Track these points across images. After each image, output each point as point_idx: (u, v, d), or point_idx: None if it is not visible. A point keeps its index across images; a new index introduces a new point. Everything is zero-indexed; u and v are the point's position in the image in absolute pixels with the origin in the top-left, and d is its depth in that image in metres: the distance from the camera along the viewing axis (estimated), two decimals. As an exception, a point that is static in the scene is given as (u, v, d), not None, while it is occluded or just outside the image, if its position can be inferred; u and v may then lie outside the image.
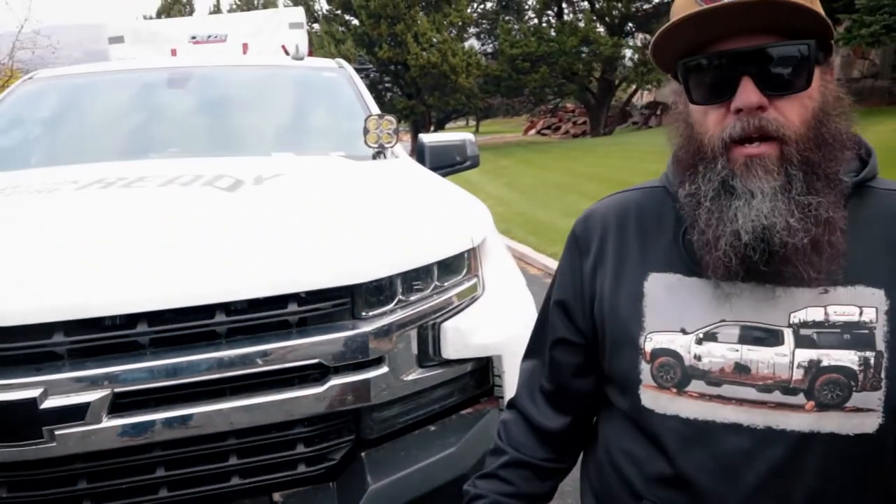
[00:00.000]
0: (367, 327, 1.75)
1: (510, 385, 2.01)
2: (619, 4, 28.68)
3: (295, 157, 3.05)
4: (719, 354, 1.05)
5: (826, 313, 1.01)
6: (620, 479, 1.15)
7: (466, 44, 31.49)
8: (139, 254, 1.70)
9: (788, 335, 1.02)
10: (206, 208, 1.92)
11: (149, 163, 2.89)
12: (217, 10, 31.53)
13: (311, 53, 5.50)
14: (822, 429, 0.99)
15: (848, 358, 0.99)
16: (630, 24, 30.05)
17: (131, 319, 1.61)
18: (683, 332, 1.08)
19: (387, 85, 32.51)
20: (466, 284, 2.01)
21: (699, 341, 1.06)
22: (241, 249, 1.75)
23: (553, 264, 8.20)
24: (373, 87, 29.77)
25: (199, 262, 1.69)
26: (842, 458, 1.00)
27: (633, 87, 30.72)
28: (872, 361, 0.99)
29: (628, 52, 30.03)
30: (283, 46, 4.82)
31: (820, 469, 1.00)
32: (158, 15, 29.87)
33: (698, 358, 1.06)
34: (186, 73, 3.94)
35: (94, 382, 1.56)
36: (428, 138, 3.53)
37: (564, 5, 31.98)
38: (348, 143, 3.27)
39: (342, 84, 3.90)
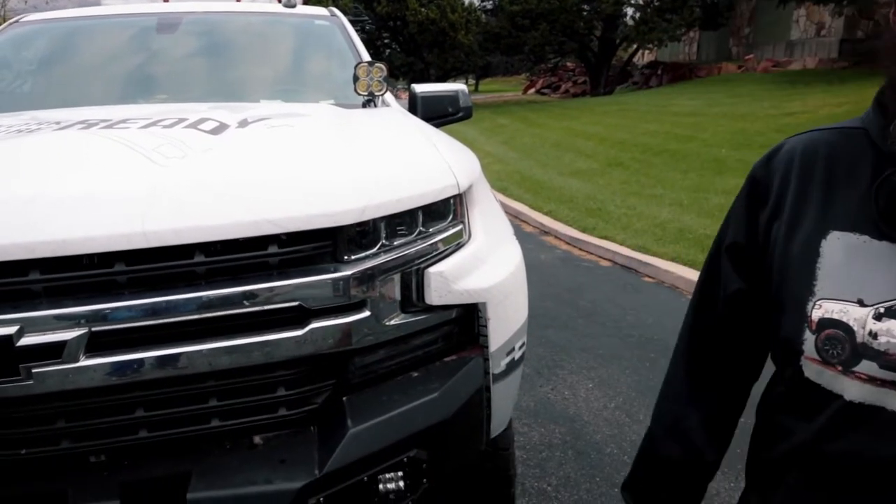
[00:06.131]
0: (348, 271, 1.73)
1: (495, 333, 1.99)
2: (622, -39, 28.23)
3: (283, 104, 3.00)
4: None
5: None
6: (769, 443, 1.09)
7: (466, 0, 30.98)
8: (117, 193, 1.66)
9: None
10: (187, 149, 1.88)
11: (135, 107, 2.85)
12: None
13: (305, 2, 5.40)
14: None
15: None
16: (633, -18, 29.59)
17: (109, 258, 1.59)
18: (861, 303, 0.93)
19: (385, 41, 32.10)
20: (452, 230, 1.98)
21: (878, 316, 0.92)
22: (222, 190, 1.72)
23: (548, 222, 8.17)
24: (371, 43, 29.40)
25: (179, 201, 1.65)
26: None
27: (635, 46, 30.33)
28: None
29: (629, 11, 29.62)
30: (277, -7, 4.74)
31: None
32: (154, -36, 29.29)
33: (874, 335, 0.92)
34: (177, 18, 3.87)
35: (71, 321, 1.54)
36: (420, 88, 3.48)
37: (567, -39, 31.42)
38: (339, 91, 3.23)
39: (334, 32, 3.85)
